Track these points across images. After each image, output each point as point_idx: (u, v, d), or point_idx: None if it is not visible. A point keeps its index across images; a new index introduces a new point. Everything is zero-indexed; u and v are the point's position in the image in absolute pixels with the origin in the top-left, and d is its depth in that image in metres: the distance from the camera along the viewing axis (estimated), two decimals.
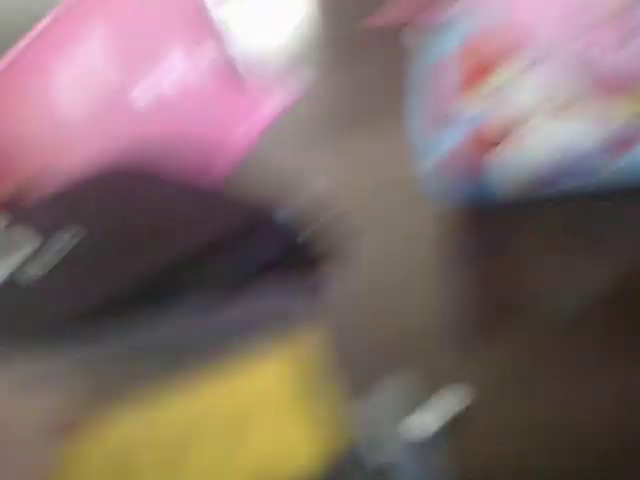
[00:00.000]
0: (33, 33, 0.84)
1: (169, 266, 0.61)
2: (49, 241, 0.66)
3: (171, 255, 0.62)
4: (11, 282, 0.63)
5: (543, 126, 0.72)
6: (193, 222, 0.66)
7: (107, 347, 0.46)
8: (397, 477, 0.37)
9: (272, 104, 0.87)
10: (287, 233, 0.65)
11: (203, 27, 0.87)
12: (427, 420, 0.50)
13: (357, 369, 0.39)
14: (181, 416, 0.21)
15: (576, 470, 0.51)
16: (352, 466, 0.36)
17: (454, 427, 0.51)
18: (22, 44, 0.84)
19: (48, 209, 0.73)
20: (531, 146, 0.73)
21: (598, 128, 0.72)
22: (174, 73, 0.85)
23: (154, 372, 0.43)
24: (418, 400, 0.42)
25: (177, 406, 0.21)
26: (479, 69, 0.73)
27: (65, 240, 0.66)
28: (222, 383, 0.21)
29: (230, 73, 0.87)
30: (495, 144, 0.73)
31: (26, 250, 0.66)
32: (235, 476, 0.20)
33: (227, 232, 0.64)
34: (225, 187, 0.71)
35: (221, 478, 0.20)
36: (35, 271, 0.63)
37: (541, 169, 0.74)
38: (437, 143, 0.74)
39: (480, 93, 0.73)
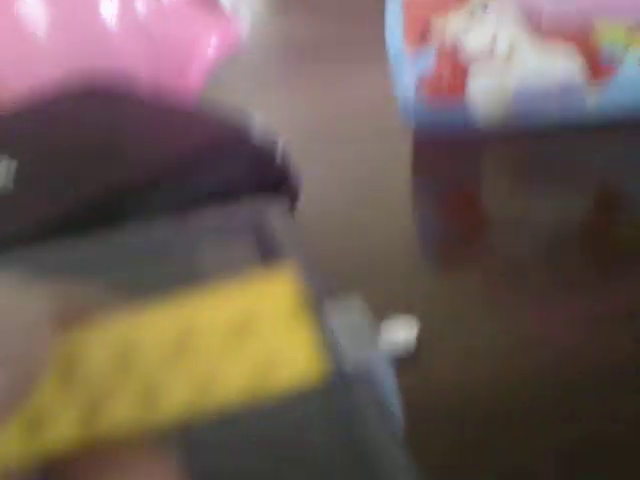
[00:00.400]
0: None
1: (139, 183, 0.61)
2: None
3: (140, 172, 0.61)
4: None
5: (523, 54, 0.72)
6: (163, 139, 0.65)
7: (88, 251, 0.46)
8: (374, 386, 0.38)
9: (240, 26, 0.85)
10: (259, 151, 0.64)
11: None
12: (390, 340, 0.53)
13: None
14: (178, 319, 0.21)
15: (547, 389, 0.51)
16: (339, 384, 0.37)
17: (416, 351, 0.53)
18: None
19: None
20: (509, 73, 0.72)
21: (577, 60, 0.71)
22: None
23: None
24: (376, 321, 0.41)
25: (174, 310, 0.21)
26: None
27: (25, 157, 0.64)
28: (217, 290, 0.21)
29: None
30: (474, 68, 0.72)
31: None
32: (231, 378, 0.20)
33: (198, 149, 0.63)
34: (193, 107, 0.69)
35: (216, 379, 0.20)
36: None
37: (519, 97, 0.73)
38: (414, 65, 0.73)
39: (461, 11, 0.72)
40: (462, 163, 0.73)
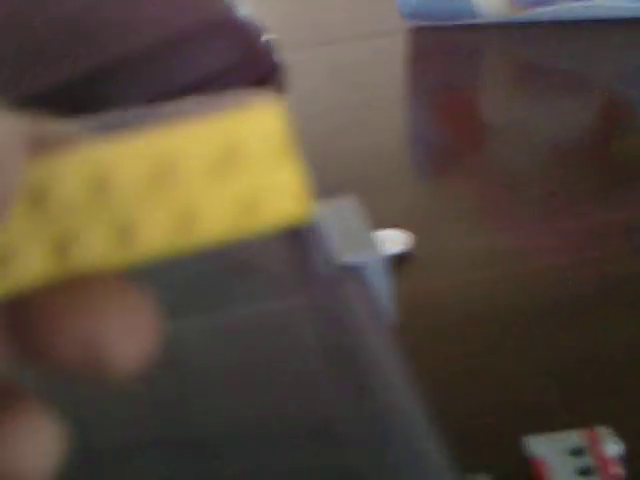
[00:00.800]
0: None
1: (122, 61, 0.58)
2: None
3: (123, 50, 0.58)
4: None
5: None
6: (140, 11, 0.61)
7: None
8: (366, 279, 0.38)
9: None
10: (248, 35, 0.61)
11: None
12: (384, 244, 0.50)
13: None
14: (157, 148, 0.19)
15: (543, 301, 0.50)
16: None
17: (403, 260, 0.52)
18: None
19: None
20: None
21: None
22: None
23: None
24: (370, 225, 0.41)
25: (153, 140, 0.19)
26: None
27: None
28: (200, 120, 0.19)
29: None
30: None
31: None
32: (213, 212, 0.19)
33: (185, 29, 0.60)
34: None
35: (198, 213, 0.19)
36: None
37: None
38: None
39: None
40: (460, 63, 0.71)
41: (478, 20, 0.72)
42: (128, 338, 0.20)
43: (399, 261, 0.52)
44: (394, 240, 0.52)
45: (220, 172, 0.19)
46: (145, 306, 0.21)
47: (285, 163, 0.19)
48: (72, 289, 0.21)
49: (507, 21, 0.72)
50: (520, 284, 0.51)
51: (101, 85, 0.56)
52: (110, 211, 0.19)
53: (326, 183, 0.55)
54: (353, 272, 0.37)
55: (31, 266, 0.20)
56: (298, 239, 0.39)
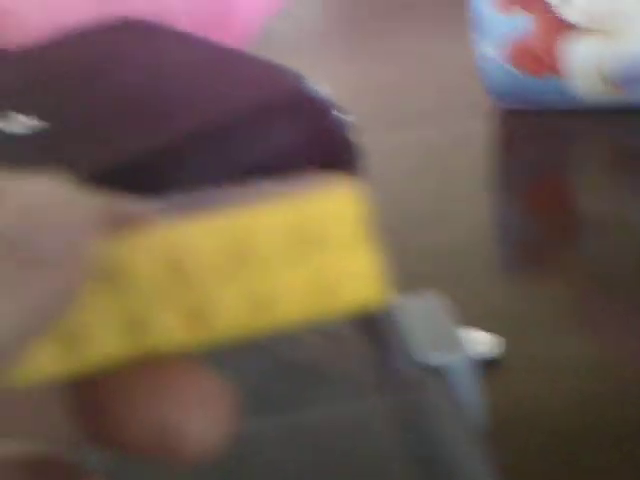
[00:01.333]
0: None
1: (189, 139, 0.58)
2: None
3: (181, 132, 0.59)
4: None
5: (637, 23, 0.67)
6: (208, 88, 0.62)
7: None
8: (451, 382, 0.37)
9: None
10: (315, 113, 0.60)
11: None
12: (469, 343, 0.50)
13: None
14: (239, 225, 0.20)
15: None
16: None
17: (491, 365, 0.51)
18: None
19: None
20: (617, 43, 0.68)
21: None
22: None
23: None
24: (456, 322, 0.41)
25: (230, 220, 0.20)
26: None
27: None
28: (277, 202, 0.20)
29: None
30: (578, 32, 0.68)
31: None
32: (296, 286, 0.20)
33: (252, 107, 0.59)
34: (240, 54, 0.65)
35: (281, 286, 0.20)
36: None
37: (626, 71, 0.68)
38: (503, 27, 0.69)
39: None
40: (551, 146, 0.69)
41: (573, 103, 0.71)
42: (205, 423, 0.21)
43: (486, 366, 0.51)
44: (481, 342, 0.51)
45: (296, 253, 0.20)
46: (221, 391, 0.21)
47: (361, 246, 0.20)
48: (145, 371, 0.21)
49: (606, 105, 0.70)
50: (612, 395, 0.49)
51: (168, 163, 0.57)
52: (186, 291, 0.20)
53: (407, 276, 0.58)
54: (437, 373, 0.37)
55: (104, 345, 0.21)
56: (379, 336, 0.39)
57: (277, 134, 0.58)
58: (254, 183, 0.44)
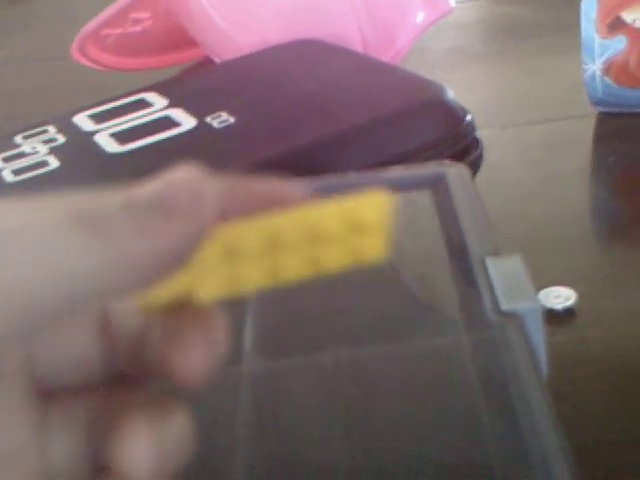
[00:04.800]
0: None
1: (346, 132, 0.59)
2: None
3: (347, 123, 0.60)
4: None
5: None
6: (368, 93, 0.64)
7: None
8: (525, 335, 0.37)
9: (444, 3, 0.83)
10: (451, 118, 0.62)
11: None
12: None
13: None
14: (313, 216, 0.24)
15: None
16: None
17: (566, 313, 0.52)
18: None
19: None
20: None
21: None
22: None
23: None
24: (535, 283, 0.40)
25: (312, 210, 0.24)
26: None
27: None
28: (334, 203, 0.24)
29: None
30: None
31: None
32: (335, 254, 0.24)
33: (400, 107, 0.61)
34: (396, 69, 0.69)
35: (330, 251, 0.24)
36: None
37: None
38: (605, 48, 0.71)
39: None
40: (639, 145, 0.70)
41: None
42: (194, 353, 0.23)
43: (564, 314, 0.52)
44: (561, 295, 0.53)
45: (342, 234, 0.24)
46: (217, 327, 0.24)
47: (380, 233, 0.24)
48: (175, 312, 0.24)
49: None
50: None
51: (326, 152, 0.58)
52: (273, 256, 0.24)
53: (516, 240, 0.59)
54: (513, 317, 0.37)
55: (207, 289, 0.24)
56: (471, 286, 0.40)
57: (420, 134, 0.60)
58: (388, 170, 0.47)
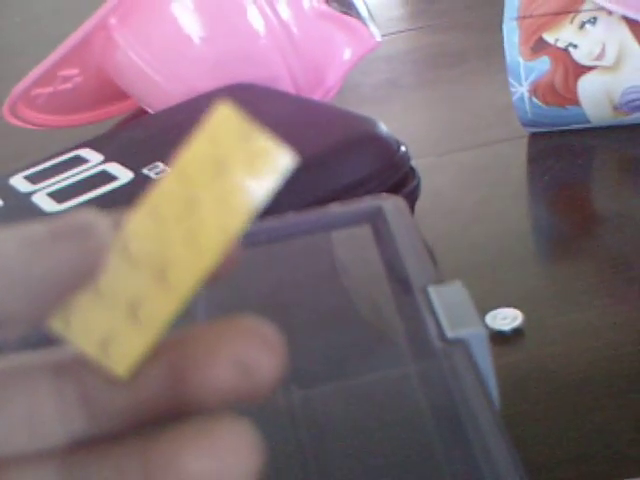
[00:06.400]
0: None
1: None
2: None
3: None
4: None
5: (631, 60, 0.69)
6: (303, 131, 0.64)
7: None
8: (471, 360, 0.37)
9: (370, 38, 0.83)
10: (385, 151, 0.62)
11: None
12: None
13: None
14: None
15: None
16: None
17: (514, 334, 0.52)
18: None
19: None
20: (617, 78, 0.70)
21: None
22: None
23: None
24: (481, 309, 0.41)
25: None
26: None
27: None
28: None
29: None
30: (587, 70, 0.71)
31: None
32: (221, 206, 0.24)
33: (333, 146, 0.62)
34: (327, 107, 0.69)
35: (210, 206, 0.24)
36: None
37: (626, 100, 0.71)
38: (530, 69, 0.73)
39: (571, 21, 0.71)
40: (571, 159, 0.71)
41: (588, 125, 0.74)
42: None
43: (512, 335, 0.52)
44: (505, 317, 0.53)
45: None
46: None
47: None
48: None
49: (614, 124, 0.73)
50: (620, 353, 0.50)
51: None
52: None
53: (456, 264, 0.60)
54: (459, 345, 0.38)
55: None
56: (416, 316, 0.40)
57: (355, 169, 0.60)
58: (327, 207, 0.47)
